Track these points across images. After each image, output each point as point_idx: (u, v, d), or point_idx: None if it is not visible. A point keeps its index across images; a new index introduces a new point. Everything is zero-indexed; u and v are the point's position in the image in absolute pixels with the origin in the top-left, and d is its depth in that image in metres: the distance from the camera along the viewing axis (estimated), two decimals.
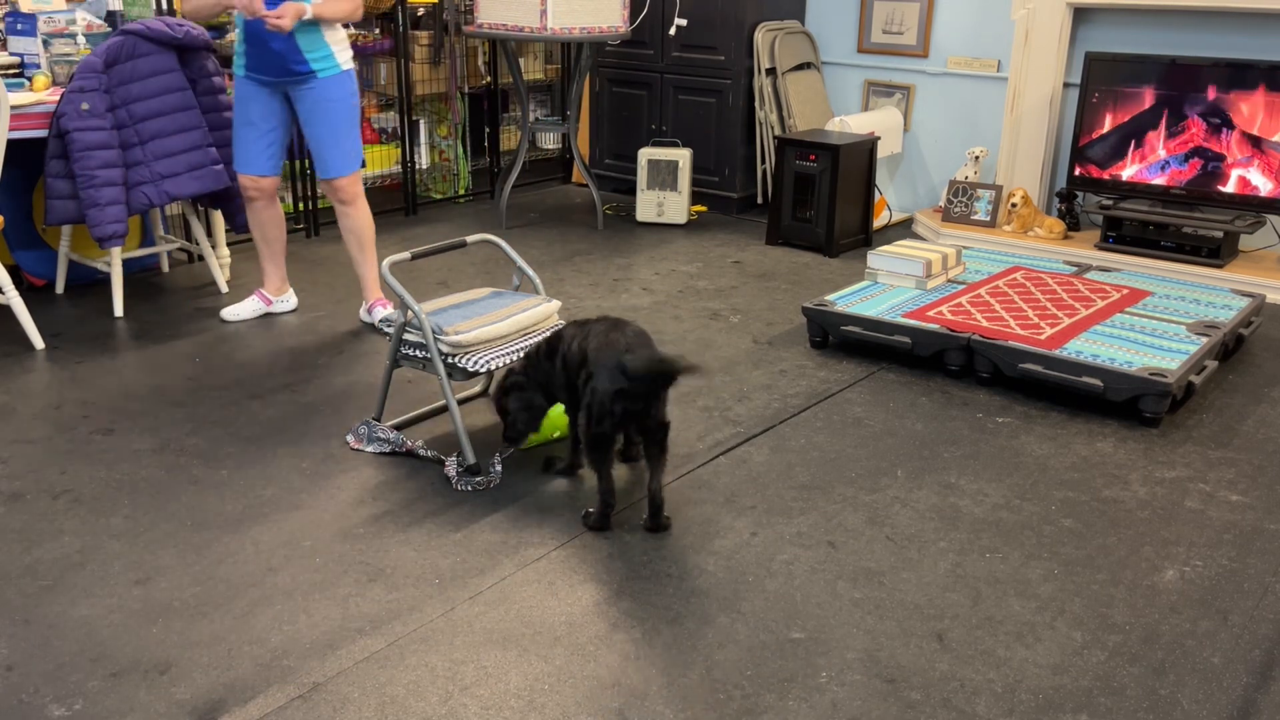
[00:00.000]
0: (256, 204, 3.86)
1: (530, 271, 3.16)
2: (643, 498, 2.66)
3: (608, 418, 2.50)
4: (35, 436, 3.03)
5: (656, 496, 2.57)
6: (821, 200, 4.97)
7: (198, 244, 4.31)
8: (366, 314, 3.99)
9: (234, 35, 5.43)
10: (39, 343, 3.68)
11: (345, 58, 3.66)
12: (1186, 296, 3.87)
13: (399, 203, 5.72)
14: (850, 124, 5.23)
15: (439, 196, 6.01)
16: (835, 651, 2.14)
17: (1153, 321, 3.59)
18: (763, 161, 5.75)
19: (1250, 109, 4.51)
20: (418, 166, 5.95)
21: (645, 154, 5.45)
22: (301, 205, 5.16)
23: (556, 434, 3.04)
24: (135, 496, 2.71)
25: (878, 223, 5.43)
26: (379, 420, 3.03)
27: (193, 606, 2.26)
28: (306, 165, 5.09)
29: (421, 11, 5.77)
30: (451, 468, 2.81)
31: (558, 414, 2.97)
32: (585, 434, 2.54)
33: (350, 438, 3.01)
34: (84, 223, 3.78)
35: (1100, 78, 4.82)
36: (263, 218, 3.91)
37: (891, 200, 5.85)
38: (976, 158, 5.24)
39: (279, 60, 3.56)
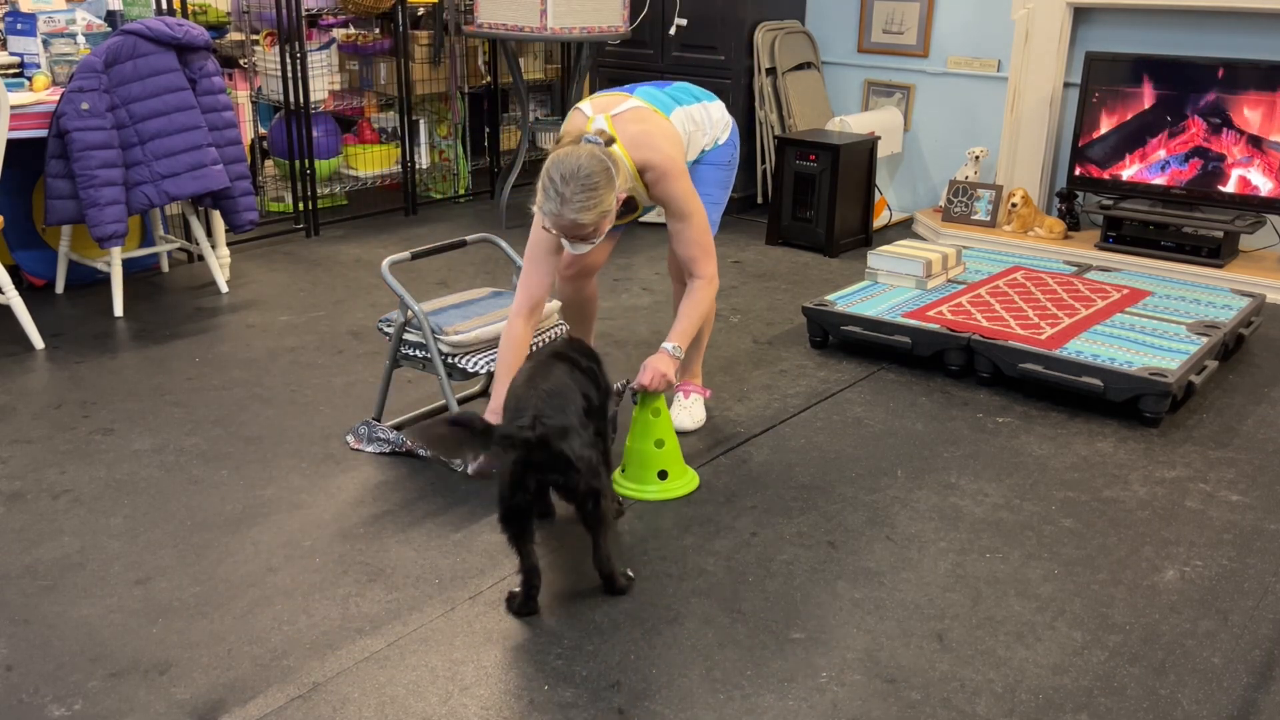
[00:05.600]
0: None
1: None
2: (639, 499, 2.66)
3: (519, 490, 2.16)
4: (35, 436, 3.03)
5: (603, 568, 2.29)
6: (821, 200, 4.97)
7: (198, 244, 4.31)
8: (681, 401, 3.15)
9: (235, 35, 5.42)
10: (39, 343, 3.68)
11: (718, 136, 2.98)
12: (1186, 296, 3.86)
13: (399, 203, 5.72)
14: (850, 124, 5.23)
15: (439, 196, 6.01)
16: (835, 651, 2.14)
17: (1153, 321, 3.59)
18: (763, 161, 5.75)
19: (1250, 109, 4.51)
20: (418, 166, 5.95)
21: None
22: (302, 205, 5.16)
23: None
24: (135, 496, 2.71)
25: (878, 223, 5.43)
26: (379, 420, 3.03)
27: (193, 606, 2.26)
28: (306, 165, 5.08)
29: (421, 11, 5.77)
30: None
31: None
32: (499, 507, 2.19)
33: (350, 438, 3.01)
34: (84, 223, 3.78)
35: (1100, 78, 4.82)
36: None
37: (891, 200, 5.85)
38: (976, 158, 5.24)
39: None
